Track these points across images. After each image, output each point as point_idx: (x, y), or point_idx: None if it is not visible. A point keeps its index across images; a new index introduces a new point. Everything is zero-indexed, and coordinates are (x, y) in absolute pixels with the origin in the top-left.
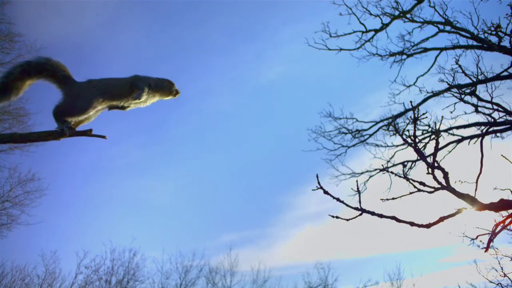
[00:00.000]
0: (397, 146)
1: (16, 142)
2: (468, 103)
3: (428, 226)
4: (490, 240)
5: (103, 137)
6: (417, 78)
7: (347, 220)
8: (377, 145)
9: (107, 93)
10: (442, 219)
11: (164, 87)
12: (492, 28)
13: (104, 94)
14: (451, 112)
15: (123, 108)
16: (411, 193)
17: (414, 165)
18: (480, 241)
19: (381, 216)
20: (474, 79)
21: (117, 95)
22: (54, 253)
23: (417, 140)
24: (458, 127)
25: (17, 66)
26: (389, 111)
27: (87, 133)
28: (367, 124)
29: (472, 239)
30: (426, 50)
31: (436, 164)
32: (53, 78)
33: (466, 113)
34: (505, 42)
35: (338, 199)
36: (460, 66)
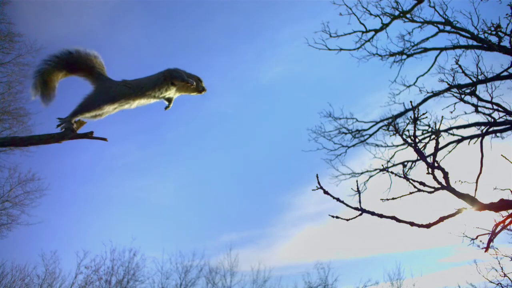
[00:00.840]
0: (397, 146)
1: (18, 145)
2: (468, 103)
3: (428, 226)
4: (490, 240)
5: (104, 139)
6: (417, 78)
7: (347, 220)
8: (377, 145)
9: (142, 89)
10: (442, 219)
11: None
12: (492, 28)
13: (138, 90)
14: (451, 112)
15: (169, 101)
16: (411, 193)
17: (414, 165)
18: (480, 241)
19: (381, 216)
20: (474, 79)
21: (150, 88)
22: (54, 253)
23: (417, 140)
24: (458, 127)
25: (65, 50)
26: (389, 111)
27: (88, 135)
28: (367, 124)
29: (472, 239)
30: (426, 50)
31: (436, 164)
32: (90, 74)
33: (466, 113)
34: (505, 42)
35: (338, 199)
36: (460, 66)
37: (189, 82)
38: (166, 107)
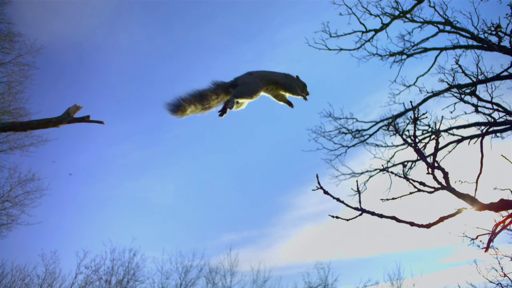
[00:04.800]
0: (397, 146)
1: (17, 130)
2: (468, 103)
3: (428, 226)
4: (490, 240)
5: (101, 122)
6: (417, 78)
7: (347, 220)
8: (377, 145)
9: (264, 79)
10: (442, 219)
11: (300, 87)
12: (492, 28)
13: (264, 80)
14: (451, 112)
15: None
16: (411, 193)
17: (414, 165)
18: (480, 241)
19: (381, 216)
20: (474, 79)
21: (266, 82)
22: (54, 253)
23: (417, 140)
24: (458, 127)
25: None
26: (389, 111)
27: (85, 119)
28: (367, 124)
29: (472, 239)
30: (426, 50)
31: (436, 164)
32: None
33: (466, 113)
34: (505, 42)
35: (338, 199)
36: (460, 66)
37: (303, 98)
38: (290, 104)
